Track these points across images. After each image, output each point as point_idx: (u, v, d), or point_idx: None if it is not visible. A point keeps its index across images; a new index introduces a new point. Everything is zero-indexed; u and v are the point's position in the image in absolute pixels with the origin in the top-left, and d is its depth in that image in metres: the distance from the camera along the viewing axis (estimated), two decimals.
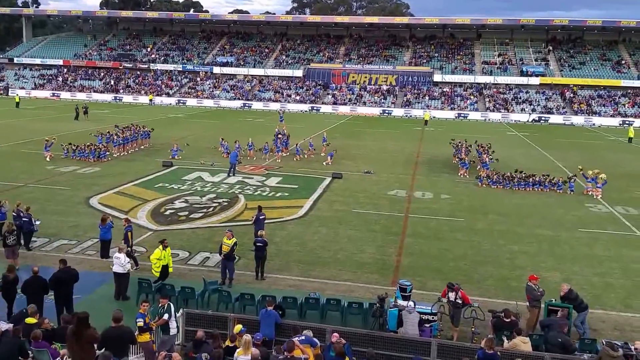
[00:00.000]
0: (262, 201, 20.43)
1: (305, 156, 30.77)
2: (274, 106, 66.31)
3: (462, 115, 63.02)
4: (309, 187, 23.84)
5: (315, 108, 66.19)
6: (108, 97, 71.57)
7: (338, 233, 17.51)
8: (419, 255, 15.58)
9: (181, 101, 70.23)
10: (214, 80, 75.22)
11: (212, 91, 72.48)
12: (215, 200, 21.10)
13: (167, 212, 19.17)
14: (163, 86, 74.39)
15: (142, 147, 32.98)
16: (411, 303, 10.69)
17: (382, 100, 68.10)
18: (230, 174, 25.67)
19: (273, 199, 21.67)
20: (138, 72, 78.66)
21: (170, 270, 12.64)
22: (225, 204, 20.57)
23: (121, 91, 73.59)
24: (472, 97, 66.78)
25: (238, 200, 21.27)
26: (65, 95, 72.07)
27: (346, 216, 19.56)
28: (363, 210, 20.42)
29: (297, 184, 24.45)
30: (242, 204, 20.72)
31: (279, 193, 22.65)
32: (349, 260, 14.99)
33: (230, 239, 12.99)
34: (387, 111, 65.16)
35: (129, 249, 13.24)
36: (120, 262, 12.04)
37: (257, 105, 68.23)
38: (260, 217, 15.25)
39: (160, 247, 12.47)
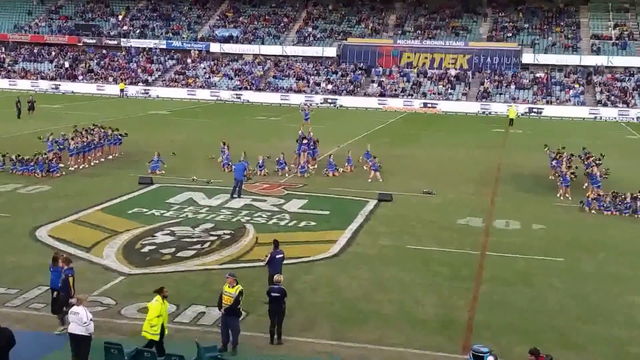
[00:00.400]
0: (279, 234, 20.74)
1: (341, 170, 31.44)
2: (297, 99, 67.40)
3: (561, 110, 63.37)
4: (345, 213, 24.41)
5: (353, 102, 67.41)
6: (62, 85, 73.63)
7: (385, 278, 17.83)
8: (500, 310, 15.81)
9: (165, 92, 71.95)
10: (212, 63, 77.10)
11: (209, 78, 74.50)
12: (213, 233, 21.61)
13: (146, 249, 19.62)
14: (139, 71, 76.64)
15: (111, 156, 33.94)
16: None
17: (450, 91, 68.88)
18: (235, 195, 26.25)
19: (295, 230, 22.19)
20: (104, 51, 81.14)
21: (166, 332, 12.87)
22: (228, 237, 21.08)
23: (80, 78, 75.98)
24: (576, 85, 66.60)
25: (245, 232, 21.78)
26: (1, 83, 74.39)
27: (397, 254, 19.92)
28: (421, 247, 20.77)
29: (328, 209, 24.99)
30: (251, 237, 21.22)
31: (303, 222, 23.13)
32: (401, 316, 15.25)
33: (233, 287, 13.33)
34: (455, 105, 65.83)
35: (70, 299, 13.33)
36: (79, 318, 12.17)
37: (271, 97, 69.65)
38: (277, 257, 15.66)
39: (158, 298, 12.60)
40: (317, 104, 65.22)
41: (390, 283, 17.47)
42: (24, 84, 73.90)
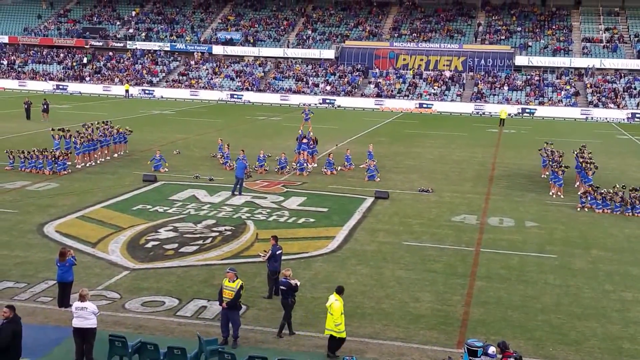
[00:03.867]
0: (278, 230, 20.75)
1: (339, 169, 31.40)
2: (296, 99, 67.84)
3: (553, 110, 63.38)
4: (343, 210, 24.31)
5: (350, 102, 67.47)
6: (70, 86, 73.66)
7: (383, 274, 17.75)
8: (495, 305, 15.71)
9: (169, 92, 71.93)
10: (214, 64, 76.98)
11: (211, 79, 74.41)
12: (214, 229, 21.51)
13: (149, 245, 19.54)
14: (144, 72, 76.46)
15: (116, 154, 34.01)
16: None
17: (444, 92, 68.73)
18: (236, 193, 26.22)
19: (294, 226, 22.11)
20: (110, 54, 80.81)
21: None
22: (229, 233, 21.01)
23: (87, 79, 75.83)
24: (568, 87, 66.57)
25: (246, 228, 21.70)
26: (11, 84, 74.58)
27: (394, 251, 19.82)
28: (417, 243, 20.66)
29: (326, 206, 24.93)
30: (251, 233, 21.14)
31: (302, 219, 23.07)
32: (399, 311, 15.17)
33: (233, 282, 13.22)
34: (450, 106, 65.71)
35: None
36: (84, 313, 12.17)
37: (272, 97, 69.85)
38: (277, 252, 15.55)
39: (337, 296, 12.86)
40: (315, 105, 65.02)
41: (387, 279, 17.36)
42: (33, 85, 74.01)
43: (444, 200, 26.52)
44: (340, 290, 12.93)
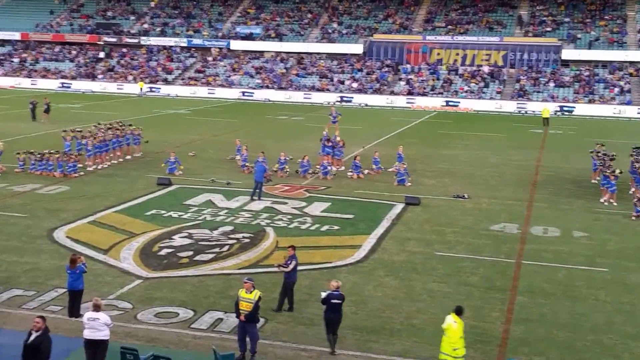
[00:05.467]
0: (300, 238, 21.07)
1: (366, 172, 31.57)
2: (320, 97, 68.23)
3: (604, 109, 62.72)
4: (371, 217, 24.41)
5: (379, 100, 67.58)
6: (82, 85, 74.80)
7: (413, 287, 17.73)
8: (538, 323, 15.57)
9: (184, 90, 72.87)
10: (233, 61, 77.59)
11: (230, 76, 75.03)
12: (232, 236, 21.81)
13: (163, 252, 19.87)
14: (159, 69, 77.32)
15: (130, 156, 34.75)
16: None
17: (482, 89, 68.42)
18: (255, 197, 26.55)
19: (317, 234, 22.28)
20: (124, 50, 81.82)
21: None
22: (247, 240, 21.26)
23: (100, 76, 76.95)
24: (621, 83, 65.44)
25: (265, 235, 21.93)
26: (23, 82, 76.38)
27: (426, 262, 19.78)
28: (452, 253, 20.60)
29: (352, 212, 25.06)
30: (271, 241, 21.31)
31: (325, 226, 23.23)
32: (431, 327, 14.97)
33: (251, 292, 13.34)
34: (488, 104, 65.67)
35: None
36: (96, 324, 12.44)
37: (294, 95, 70.32)
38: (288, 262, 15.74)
39: (456, 317, 12.64)
40: (339, 102, 65.24)
41: (418, 292, 17.34)
42: (44, 83, 75.40)
43: (481, 207, 26.43)
44: (459, 311, 12.64)
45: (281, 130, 48.30)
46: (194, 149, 37.56)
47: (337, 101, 66.57)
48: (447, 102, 66.71)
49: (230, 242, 21.02)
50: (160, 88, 73.15)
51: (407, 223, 23.78)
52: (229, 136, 42.21)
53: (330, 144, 32.61)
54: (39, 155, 30.38)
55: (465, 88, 68.66)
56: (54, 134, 38.90)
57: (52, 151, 30.75)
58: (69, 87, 74.92)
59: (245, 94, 71.34)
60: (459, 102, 66.29)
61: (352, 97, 68.43)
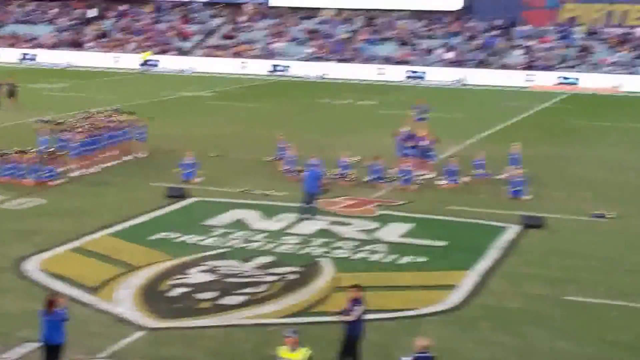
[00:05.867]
0: (369, 273, 21.00)
1: (463, 180, 31.92)
2: (398, 73, 68.03)
3: None
4: (471, 245, 24.35)
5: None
6: (63, 56, 75.64)
7: (534, 346, 17.44)
8: None
9: (206, 64, 73.49)
10: (274, 22, 77.62)
11: (270, 43, 75.42)
12: (272, 270, 21.78)
13: (175, 293, 20.03)
14: (171, 34, 78.21)
15: (129, 157, 35.22)
16: None
17: (634, 60, 66.98)
18: (306, 215, 26.57)
19: (393, 268, 22.24)
20: (123, 8, 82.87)
21: None
22: (293, 277, 21.26)
23: (89, 45, 78.26)
24: None
25: (319, 270, 21.92)
26: None
27: (552, 310, 19.54)
28: (589, 299, 20.27)
29: (444, 238, 24.94)
30: (327, 278, 21.32)
31: (406, 257, 23.15)
32: None
33: (295, 351, 13.36)
34: None
35: None
36: None
37: (362, 70, 70.28)
38: (355, 309, 15.59)
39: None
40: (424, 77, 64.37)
41: (541, 353, 17.08)
42: (12, 54, 77.35)
43: (631, 232, 26.00)
44: None
45: (343, 120, 48.39)
46: (218, 147, 37.66)
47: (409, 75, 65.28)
48: (581, 79, 66.28)
49: (270, 279, 21.00)
50: (184, 60, 73.76)
51: (524, 254, 23.58)
52: (268, 129, 42.24)
53: (413, 143, 32.93)
54: (3, 156, 30.67)
55: (611, 59, 67.50)
56: (23, 125, 39.44)
57: (21, 150, 30.98)
58: (45, 60, 76.03)
59: (291, 68, 72.15)
60: (600, 80, 65.55)
61: (446, 72, 68.60)
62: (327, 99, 55.90)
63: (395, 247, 23.85)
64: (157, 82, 63.40)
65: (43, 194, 29.20)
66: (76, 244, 23.51)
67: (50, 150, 32.09)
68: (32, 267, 21.45)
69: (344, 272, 21.46)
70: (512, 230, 25.87)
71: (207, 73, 70.76)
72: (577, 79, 66.85)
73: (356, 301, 15.74)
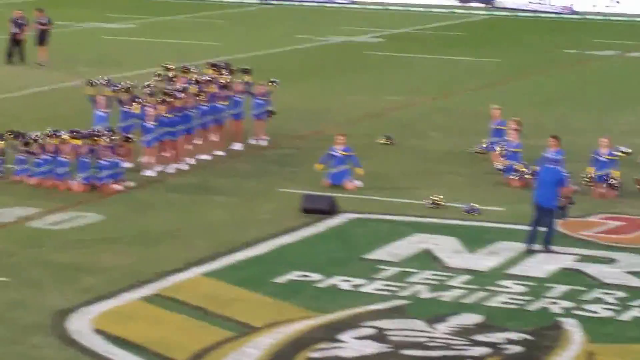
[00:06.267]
0: None
1: None
2: None
3: None
4: None
5: None
6: None
7: None
8: None
9: None
10: None
11: None
12: (480, 337, 17.34)
13: None
14: None
15: (238, 145, 30.36)
16: None
17: None
18: (539, 246, 21.90)
19: None
20: None
21: None
22: (519, 350, 16.69)
23: None
24: None
25: (562, 337, 17.39)
26: None
27: None
28: None
29: None
30: (575, 351, 16.72)
31: None
32: None
33: None
34: None
35: None
36: None
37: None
38: None
39: None
40: None
41: None
42: None
43: None
44: None
45: (604, 83, 43.28)
46: (389, 128, 32.34)
47: None
48: None
49: (477, 352, 16.52)
50: None
51: None
52: (476, 99, 37.59)
53: None
54: (34, 142, 25.81)
55: None
56: (64, 90, 36.08)
57: (65, 133, 25.64)
58: None
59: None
60: None
61: None
62: (577, 49, 50.63)
63: None
64: (287, 20, 58.81)
65: (99, 206, 24.21)
66: (153, 288, 18.63)
67: (112, 131, 26.68)
68: (83, 325, 16.80)
69: (602, 342, 17.06)
70: None
71: (373, 6, 66.25)
72: None
73: None
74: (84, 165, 25.28)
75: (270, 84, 31.11)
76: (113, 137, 25.85)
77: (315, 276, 19.45)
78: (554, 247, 21.80)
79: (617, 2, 60.85)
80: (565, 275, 20.16)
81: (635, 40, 54.13)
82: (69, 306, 17.43)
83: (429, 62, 47.56)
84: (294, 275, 19.53)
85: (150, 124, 26.79)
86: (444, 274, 20.24)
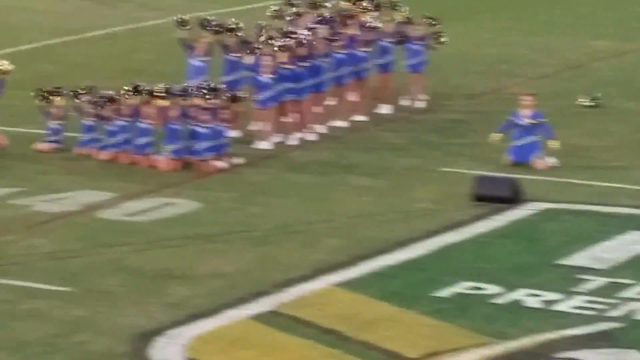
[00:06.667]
0: None
1: None
2: None
3: None
4: None
5: None
6: None
7: None
8: None
9: None
10: None
11: None
12: None
13: None
14: None
15: (386, 108, 28.35)
16: None
17: None
18: None
19: None
20: None
21: None
22: None
23: None
24: None
25: None
26: None
27: None
28: None
29: None
30: None
31: None
32: None
33: None
34: None
35: None
36: None
37: None
38: None
39: None
40: None
41: None
42: None
43: None
44: None
45: None
46: (592, 84, 30.51)
47: None
48: None
49: None
50: None
51: None
52: None
53: None
54: (108, 101, 23.61)
55: None
56: (146, 30, 36.35)
57: (148, 90, 23.38)
58: None
59: None
60: None
61: None
62: None
63: None
64: None
65: (195, 190, 21.78)
66: (269, 303, 16.06)
67: (228, 88, 24.29)
68: (173, 354, 14.25)
69: None
70: None
71: None
72: None
73: None
74: (174, 133, 23.32)
75: (430, 21, 28.67)
76: (215, 96, 23.45)
77: (491, 288, 16.99)
78: None
79: None
80: None
81: None
82: (153, 327, 15.15)
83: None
84: (462, 287, 17.12)
85: (265, 77, 24.59)
86: None
